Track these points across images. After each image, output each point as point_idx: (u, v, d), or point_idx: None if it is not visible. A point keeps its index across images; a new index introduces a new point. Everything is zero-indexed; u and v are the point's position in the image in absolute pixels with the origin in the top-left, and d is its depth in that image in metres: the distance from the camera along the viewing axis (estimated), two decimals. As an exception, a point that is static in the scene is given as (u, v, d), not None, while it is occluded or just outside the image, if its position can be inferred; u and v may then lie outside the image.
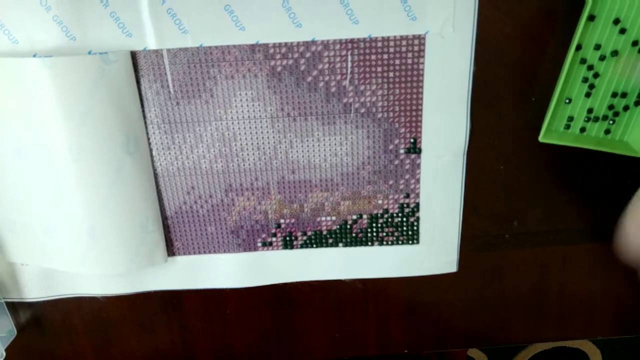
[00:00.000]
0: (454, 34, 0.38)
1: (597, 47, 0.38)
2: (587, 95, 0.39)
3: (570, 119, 0.40)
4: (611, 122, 0.40)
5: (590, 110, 0.40)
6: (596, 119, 0.40)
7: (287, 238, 0.45)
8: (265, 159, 0.42)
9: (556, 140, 0.40)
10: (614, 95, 0.39)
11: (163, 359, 0.50)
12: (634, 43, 0.37)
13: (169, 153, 0.41)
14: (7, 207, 0.42)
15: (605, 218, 0.45)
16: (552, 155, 0.42)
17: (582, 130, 0.40)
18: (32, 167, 0.39)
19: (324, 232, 0.44)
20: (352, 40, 0.38)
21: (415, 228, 0.44)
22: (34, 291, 0.46)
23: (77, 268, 0.43)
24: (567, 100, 0.39)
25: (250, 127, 0.41)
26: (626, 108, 0.40)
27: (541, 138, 0.39)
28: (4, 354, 0.46)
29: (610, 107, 0.39)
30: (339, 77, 0.39)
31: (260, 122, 0.41)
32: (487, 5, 0.37)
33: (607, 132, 0.41)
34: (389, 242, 0.45)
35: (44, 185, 0.40)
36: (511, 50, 0.39)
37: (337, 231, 0.44)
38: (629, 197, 0.44)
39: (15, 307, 0.47)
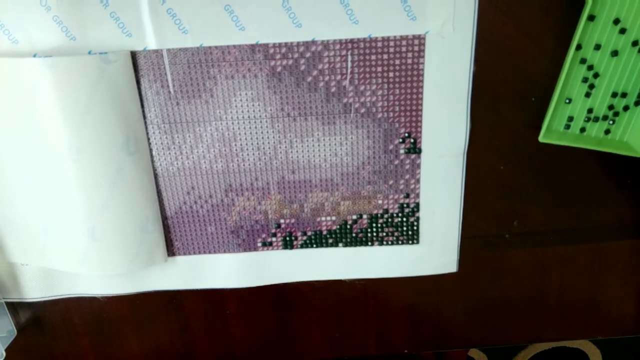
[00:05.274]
0: (454, 34, 0.38)
1: (597, 47, 0.38)
2: (587, 95, 0.39)
3: (570, 119, 0.40)
4: (611, 122, 0.40)
5: (590, 110, 0.40)
6: (596, 119, 0.40)
7: (287, 238, 0.45)
8: (265, 159, 0.42)
9: (556, 140, 0.40)
10: (614, 95, 0.39)
11: (163, 359, 0.49)
12: (634, 43, 0.37)
13: (169, 153, 0.41)
14: (7, 207, 0.42)
15: (606, 218, 0.45)
16: (552, 155, 0.42)
17: (582, 130, 0.40)
18: (32, 167, 0.39)
19: (324, 232, 0.44)
20: (352, 40, 0.38)
21: (415, 228, 0.44)
22: (34, 291, 0.46)
23: (77, 268, 0.43)
24: (567, 100, 0.39)
25: (250, 127, 0.41)
26: (626, 108, 0.40)
27: (541, 138, 0.39)
28: (4, 354, 0.46)
29: (610, 107, 0.39)
30: (339, 77, 0.39)
31: (260, 122, 0.41)
32: (487, 5, 0.37)
33: (607, 132, 0.41)
34: (389, 242, 0.45)
35: (44, 185, 0.40)
36: (511, 50, 0.39)
37: (337, 231, 0.44)
38: (629, 197, 0.44)
39: (15, 307, 0.47)
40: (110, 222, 0.41)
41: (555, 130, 0.40)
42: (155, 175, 0.42)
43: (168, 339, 0.49)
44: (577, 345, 1.10)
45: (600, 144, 0.40)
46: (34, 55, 0.37)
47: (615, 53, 0.38)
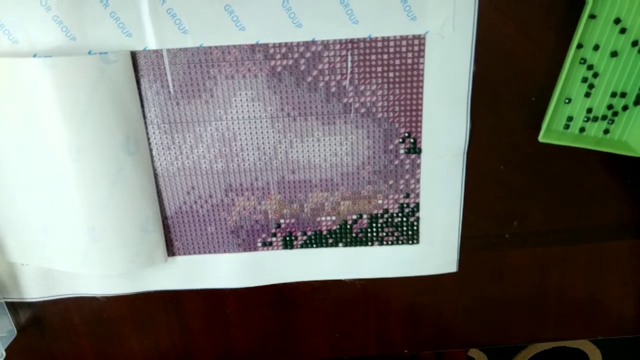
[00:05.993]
0: (454, 34, 0.38)
1: (597, 47, 0.38)
2: (587, 95, 0.39)
3: (570, 118, 0.40)
4: (610, 122, 0.40)
5: (589, 110, 0.40)
6: (595, 119, 0.40)
7: (287, 238, 0.45)
8: (265, 159, 0.42)
9: (556, 140, 0.40)
10: (614, 95, 0.39)
11: (163, 359, 0.49)
12: (634, 43, 0.37)
13: (169, 153, 0.41)
14: (7, 207, 0.42)
15: (606, 218, 0.45)
16: (552, 155, 0.42)
17: (582, 130, 0.40)
18: (32, 167, 0.39)
19: (324, 232, 0.44)
20: (352, 40, 0.38)
21: (415, 228, 0.44)
22: (34, 291, 0.46)
23: (77, 268, 0.43)
24: (567, 100, 0.39)
25: (250, 127, 0.41)
26: (625, 108, 0.40)
27: (541, 138, 0.39)
28: (4, 354, 0.46)
29: (610, 107, 0.40)
30: (339, 77, 0.39)
31: (260, 122, 0.41)
32: (487, 5, 0.37)
33: (606, 132, 0.41)
34: (389, 242, 0.45)
35: (44, 185, 0.40)
36: (511, 50, 0.39)
37: (337, 231, 0.44)
38: (629, 197, 0.44)
39: (15, 307, 0.47)
40: (110, 222, 0.41)
41: (555, 130, 0.40)
42: (155, 175, 0.42)
43: (168, 339, 0.49)
44: (577, 345, 1.10)
45: (600, 144, 0.40)
46: (34, 55, 0.37)
47: (615, 53, 0.38)
